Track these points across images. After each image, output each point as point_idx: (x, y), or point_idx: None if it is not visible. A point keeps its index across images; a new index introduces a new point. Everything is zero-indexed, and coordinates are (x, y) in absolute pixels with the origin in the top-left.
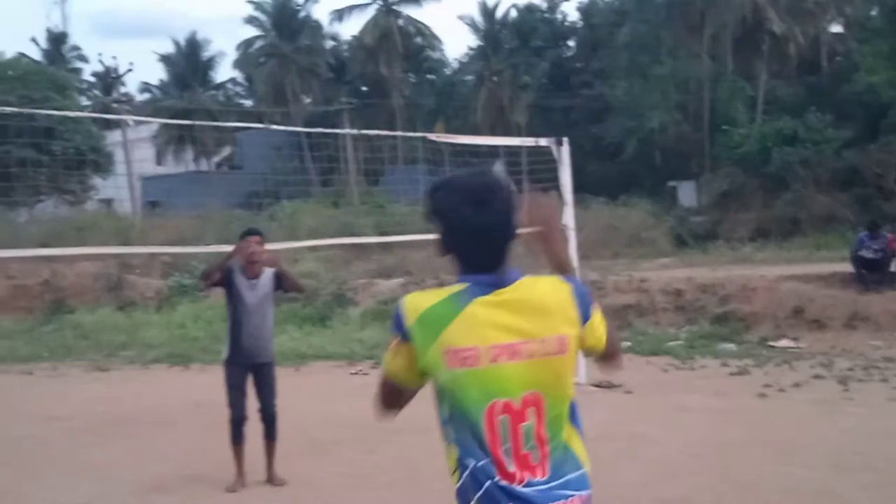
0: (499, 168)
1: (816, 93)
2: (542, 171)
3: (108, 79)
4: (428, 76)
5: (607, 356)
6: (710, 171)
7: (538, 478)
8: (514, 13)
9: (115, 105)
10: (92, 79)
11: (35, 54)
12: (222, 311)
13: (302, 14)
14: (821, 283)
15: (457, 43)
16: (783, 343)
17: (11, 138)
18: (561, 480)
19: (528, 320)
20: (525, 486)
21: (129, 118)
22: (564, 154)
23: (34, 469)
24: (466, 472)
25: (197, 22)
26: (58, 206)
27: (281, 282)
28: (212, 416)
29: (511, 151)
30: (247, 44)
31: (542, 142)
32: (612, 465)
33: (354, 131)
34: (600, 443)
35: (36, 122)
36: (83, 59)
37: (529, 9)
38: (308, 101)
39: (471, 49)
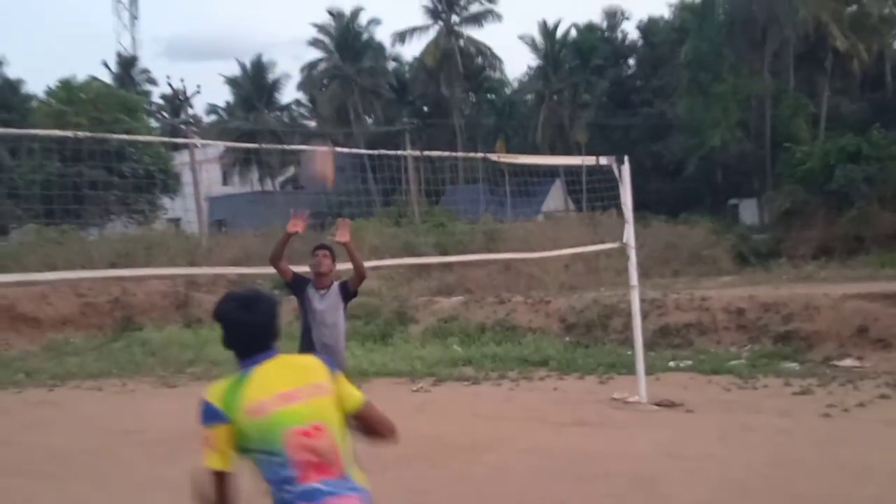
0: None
1: (880, 109)
2: (602, 189)
3: (177, 101)
4: (488, 96)
5: (371, 423)
6: (772, 188)
7: (333, 478)
8: (574, 33)
9: (183, 127)
10: (161, 101)
11: (106, 77)
12: (286, 328)
13: (365, 36)
14: (886, 301)
15: (517, 62)
16: (847, 362)
17: (83, 160)
18: (350, 482)
19: (295, 374)
20: (320, 483)
21: (197, 141)
22: (625, 173)
23: (106, 481)
24: (273, 490)
25: (263, 45)
26: (127, 225)
27: (345, 290)
28: None
29: (570, 170)
30: (311, 66)
31: (603, 161)
32: (682, 485)
33: (416, 152)
34: (668, 462)
35: (107, 144)
36: (152, 81)
37: (590, 28)
38: (370, 121)
39: (531, 68)
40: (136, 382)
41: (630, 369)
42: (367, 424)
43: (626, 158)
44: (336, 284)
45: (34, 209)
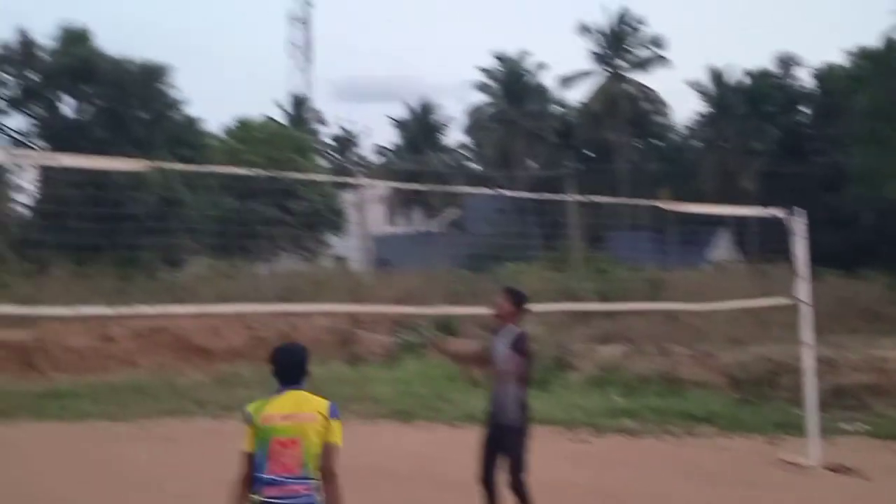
0: None
1: None
2: (772, 240)
3: (346, 141)
4: (654, 141)
5: (324, 459)
6: None
7: (291, 474)
8: (745, 78)
9: (350, 167)
10: (330, 141)
11: (279, 117)
12: (446, 370)
13: (530, 80)
14: None
15: (685, 108)
16: None
17: (257, 197)
18: (304, 480)
19: (300, 404)
20: (279, 475)
21: (364, 181)
22: (798, 225)
23: None
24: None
25: (430, 88)
26: (295, 261)
27: (518, 345)
28: (441, 474)
29: (739, 220)
30: (476, 109)
31: (775, 211)
32: None
33: (580, 197)
34: None
35: (279, 181)
36: (323, 122)
37: (762, 74)
38: (533, 164)
39: (699, 115)
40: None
41: (800, 430)
42: (324, 458)
43: (799, 210)
44: (514, 331)
45: (208, 243)
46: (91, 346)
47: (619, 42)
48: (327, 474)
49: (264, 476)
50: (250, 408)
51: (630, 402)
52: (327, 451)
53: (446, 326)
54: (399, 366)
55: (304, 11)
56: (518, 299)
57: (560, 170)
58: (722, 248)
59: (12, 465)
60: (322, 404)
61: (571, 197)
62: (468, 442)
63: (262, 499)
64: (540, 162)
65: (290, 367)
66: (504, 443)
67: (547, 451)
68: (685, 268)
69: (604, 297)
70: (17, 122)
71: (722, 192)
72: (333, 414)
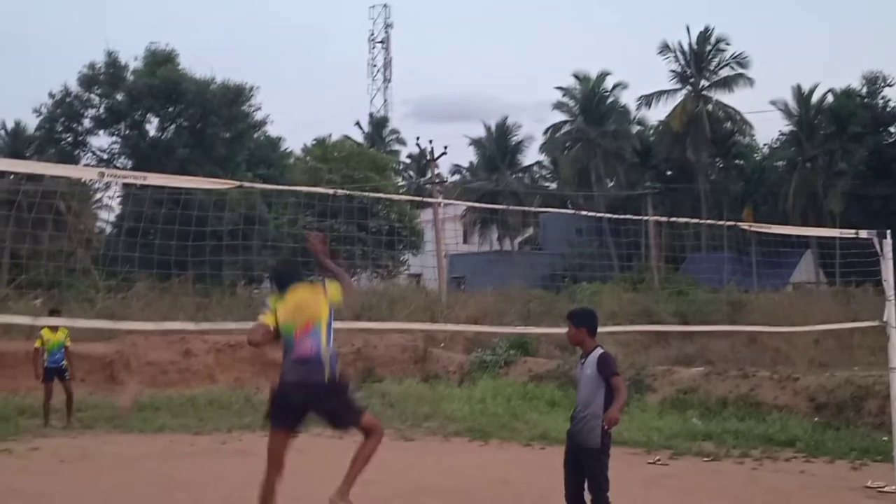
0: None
1: None
2: (859, 263)
3: (423, 161)
4: (736, 161)
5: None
6: None
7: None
8: (830, 98)
9: (427, 186)
10: (408, 160)
11: (358, 137)
12: (521, 389)
13: (610, 100)
14: None
15: (768, 128)
16: None
17: (335, 215)
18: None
19: (306, 292)
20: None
21: (440, 200)
22: (887, 247)
23: None
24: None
25: (508, 107)
26: (372, 279)
27: (602, 368)
28: (518, 495)
29: (823, 242)
30: (554, 128)
31: (863, 234)
32: None
33: (660, 217)
34: None
35: (357, 200)
36: (401, 141)
37: (847, 94)
38: (612, 184)
39: (783, 134)
40: None
41: (886, 456)
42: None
43: (888, 233)
44: (597, 353)
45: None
46: (171, 360)
47: (701, 61)
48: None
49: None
50: (270, 300)
51: (709, 424)
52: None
53: (522, 345)
54: (474, 384)
55: (383, 33)
56: (578, 321)
57: (639, 189)
58: (805, 271)
59: (94, 476)
60: (318, 286)
61: (650, 217)
62: (544, 462)
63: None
64: (618, 181)
65: (287, 275)
66: (585, 464)
67: (624, 473)
68: (766, 290)
69: (683, 319)
70: (104, 141)
71: (806, 213)
72: (323, 283)
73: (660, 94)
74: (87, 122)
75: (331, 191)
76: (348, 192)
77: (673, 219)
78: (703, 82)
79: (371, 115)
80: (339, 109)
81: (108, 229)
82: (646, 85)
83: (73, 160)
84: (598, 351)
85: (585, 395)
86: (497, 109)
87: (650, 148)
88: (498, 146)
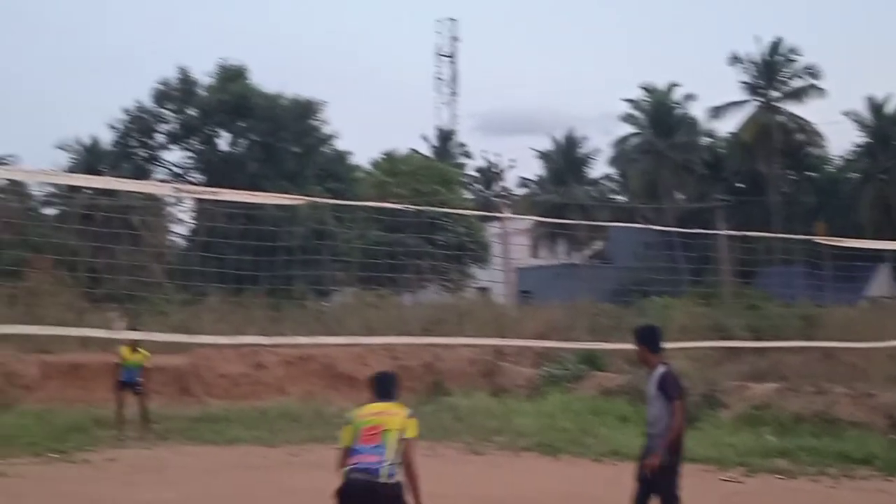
0: None
1: None
2: None
3: (490, 174)
4: (808, 173)
5: (410, 457)
6: None
7: (372, 444)
8: None
9: (494, 199)
10: (475, 174)
11: (425, 150)
12: (591, 404)
13: (679, 111)
14: None
15: (841, 139)
16: None
17: (402, 229)
18: (380, 452)
19: (384, 407)
20: (364, 446)
21: (508, 215)
22: None
23: None
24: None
25: (575, 120)
26: (439, 292)
27: (662, 386)
28: None
29: None
30: (622, 140)
31: None
32: None
33: (731, 230)
34: None
35: (424, 214)
36: (468, 155)
37: None
38: (681, 197)
39: (856, 146)
40: (444, 447)
41: None
42: (405, 451)
43: None
44: (657, 373)
45: (356, 274)
46: (243, 372)
47: (771, 72)
48: (408, 463)
49: (352, 450)
50: (351, 413)
51: (784, 441)
52: (407, 445)
53: (591, 360)
54: (543, 399)
55: (450, 47)
56: (638, 338)
57: (709, 202)
58: (880, 284)
59: (169, 487)
60: (403, 408)
61: (721, 230)
62: (615, 478)
63: (349, 467)
64: (688, 194)
65: (383, 386)
66: (653, 481)
67: (697, 491)
68: (841, 304)
69: (755, 334)
70: (177, 156)
71: (880, 226)
72: (412, 416)
73: (730, 105)
74: (160, 138)
75: (398, 205)
76: (415, 207)
77: (746, 232)
78: (774, 93)
79: (438, 128)
80: (406, 123)
81: (181, 243)
82: (715, 96)
83: (146, 175)
84: (660, 369)
85: (652, 413)
86: (564, 122)
87: (720, 160)
88: (565, 159)
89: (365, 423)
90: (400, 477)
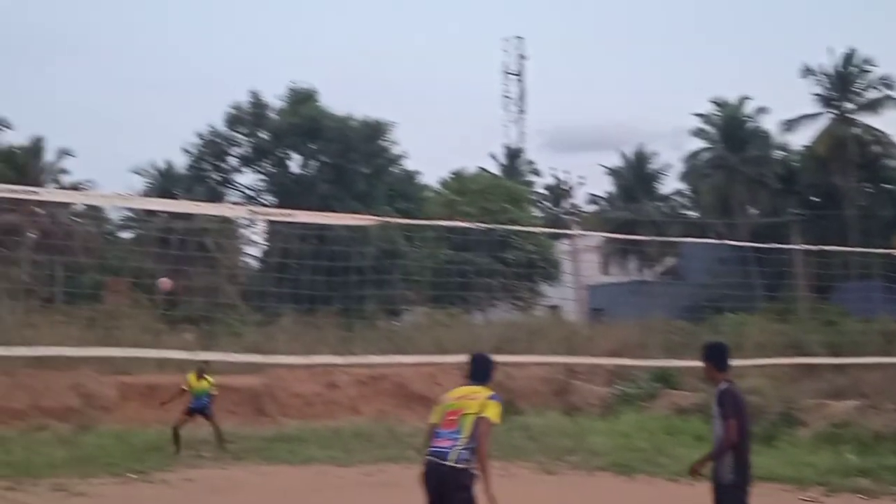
0: None
1: None
2: None
3: (559, 191)
4: (885, 185)
5: (481, 435)
6: None
7: (449, 429)
8: None
9: (564, 216)
10: (544, 191)
11: (493, 168)
12: (666, 423)
13: (750, 125)
14: None
15: None
16: None
17: (472, 248)
18: (455, 437)
19: (470, 391)
20: (442, 431)
21: (578, 232)
22: None
23: None
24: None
25: (645, 135)
26: (509, 310)
27: (720, 404)
28: None
29: None
30: (693, 156)
31: None
32: None
33: (806, 245)
34: None
35: (494, 232)
36: (536, 172)
37: None
38: (754, 212)
39: None
40: (516, 467)
41: None
42: (476, 427)
43: None
44: (717, 389)
45: (426, 293)
46: (316, 392)
47: (845, 83)
48: (479, 442)
49: (436, 432)
50: (445, 395)
51: (865, 460)
52: (480, 422)
53: (665, 378)
54: (617, 417)
55: (518, 65)
56: (709, 355)
57: (783, 217)
58: None
59: None
60: (487, 391)
61: (797, 245)
62: (691, 498)
63: (428, 449)
64: (761, 208)
65: (476, 368)
66: (720, 499)
67: None
68: None
69: (833, 350)
70: (250, 178)
71: None
72: (494, 398)
73: (803, 118)
74: (232, 161)
75: (469, 224)
76: (485, 226)
77: (822, 247)
78: (849, 105)
79: (506, 146)
80: (473, 142)
81: (254, 265)
82: (788, 109)
83: (219, 198)
84: (721, 386)
85: (715, 430)
86: (633, 138)
87: (794, 174)
88: (635, 175)
89: (449, 407)
90: (473, 464)
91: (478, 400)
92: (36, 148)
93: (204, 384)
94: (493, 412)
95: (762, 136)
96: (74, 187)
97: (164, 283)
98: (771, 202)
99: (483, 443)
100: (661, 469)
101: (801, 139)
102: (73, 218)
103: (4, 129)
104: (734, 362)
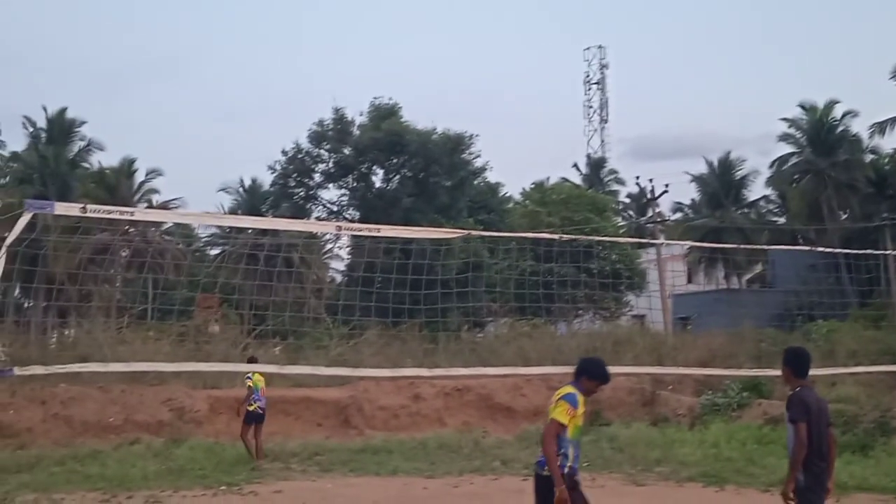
0: None
1: None
2: None
3: (643, 200)
4: None
5: (543, 435)
6: None
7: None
8: None
9: (648, 225)
10: (627, 200)
11: (576, 178)
12: (756, 433)
13: (839, 129)
14: None
15: None
16: None
17: (555, 258)
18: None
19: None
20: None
21: (662, 241)
22: None
23: None
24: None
25: (730, 142)
26: (594, 321)
27: (788, 408)
28: None
29: None
30: (781, 161)
31: None
32: None
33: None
34: None
35: (577, 242)
36: (620, 181)
37: None
38: (845, 217)
39: None
40: (604, 478)
41: None
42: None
43: None
44: (792, 395)
45: (509, 304)
46: (402, 404)
47: None
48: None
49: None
50: (577, 399)
51: None
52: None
53: (755, 387)
54: (706, 428)
55: (599, 74)
56: (788, 360)
57: (875, 221)
58: None
59: None
60: (564, 390)
61: (890, 250)
62: None
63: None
64: (852, 213)
65: (576, 369)
66: None
67: None
68: None
69: None
70: (334, 194)
71: None
72: (564, 397)
73: (893, 120)
74: (317, 177)
75: (552, 235)
76: (569, 237)
77: None
78: None
79: (588, 156)
80: (556, 152)
81: (338, 278)
82: (878, 112)
83: (305, 214)
84: (794, 391)
85: (788, 436)
86: (717, 144)
87: (886, 177)
88: (721, 182)
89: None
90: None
91: (552, 402)
92: (127, 168)
93: (261, 379)
94: (555, 411)
95: (851, 140)
96: (164, 206)
97: None
98: (862, 207)
99: (545, 439)
100: (752, 479)
101: (892, 142)
102: (164, 236)
103: (96, 150)
104: (827, 371)
